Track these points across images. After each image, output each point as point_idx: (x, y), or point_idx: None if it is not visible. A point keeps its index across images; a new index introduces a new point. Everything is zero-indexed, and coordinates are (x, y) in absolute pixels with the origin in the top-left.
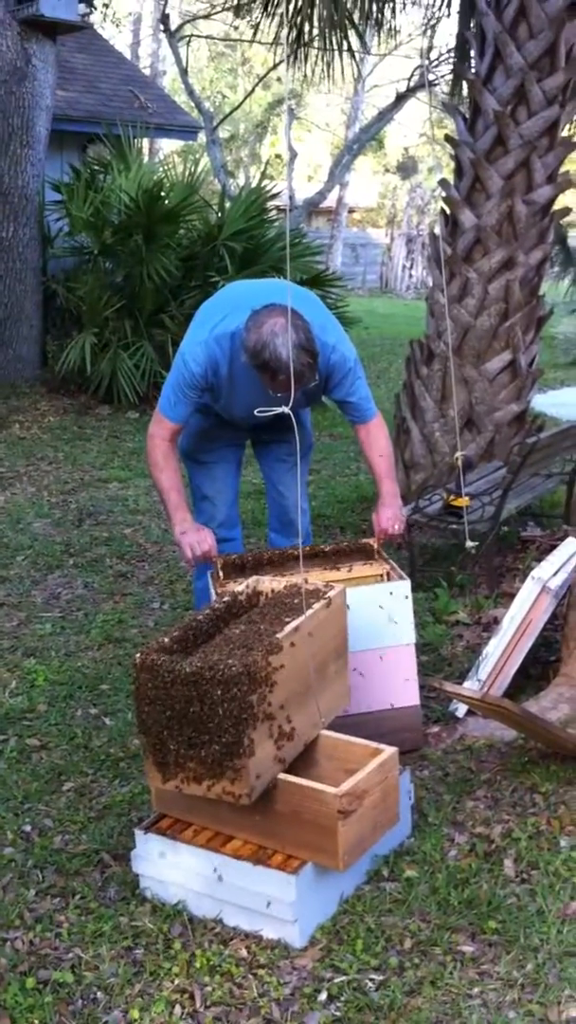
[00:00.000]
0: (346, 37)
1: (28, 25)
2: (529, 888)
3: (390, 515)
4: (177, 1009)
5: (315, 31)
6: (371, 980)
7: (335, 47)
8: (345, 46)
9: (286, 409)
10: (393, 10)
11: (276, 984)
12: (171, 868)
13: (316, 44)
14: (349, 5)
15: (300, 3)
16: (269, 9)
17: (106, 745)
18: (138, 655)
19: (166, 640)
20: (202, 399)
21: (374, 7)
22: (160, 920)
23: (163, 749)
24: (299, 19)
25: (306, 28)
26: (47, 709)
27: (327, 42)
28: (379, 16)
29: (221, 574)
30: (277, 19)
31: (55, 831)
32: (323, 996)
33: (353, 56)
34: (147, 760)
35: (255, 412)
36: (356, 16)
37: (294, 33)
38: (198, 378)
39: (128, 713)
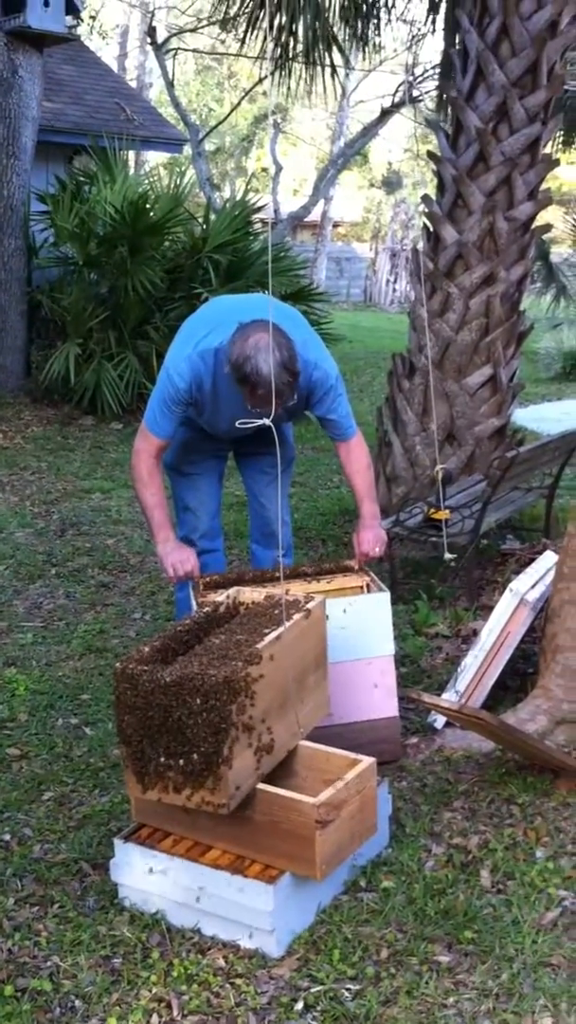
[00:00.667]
0: (330, 52)
1: (15, 36)
2: (505, 898)
3: (370, 537)
4: (155, 1018)
5: (299, 47)
6: (347, 990)
7: (319, 62)
8: (329, 61)
9: (267, 421)
10: (377, 26)
11: (253, 993)
12: (149, 877)
13: (300, 59)
14: (333, 20)
15: (283, 19)
16: (254, 23)
17: (86, 755)
18: (118, 664)
19: (146, 650)
20: (186, 413)
21: (358, 23)
22: (138, 929)
23: (143, 758)
24: (283, 34)
25: (291, 43)
26: (28, 718)
27: (311, 57)
28: (363, 32)
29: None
30: (262, 33)
31: (34, 840)
32: (300, 1006)
33: (335, 72)
34: (127, 769)
35: (237, 424)
36: (340, 32)
37: (279, 48)
38: (183, 393)
39: (109, 723)
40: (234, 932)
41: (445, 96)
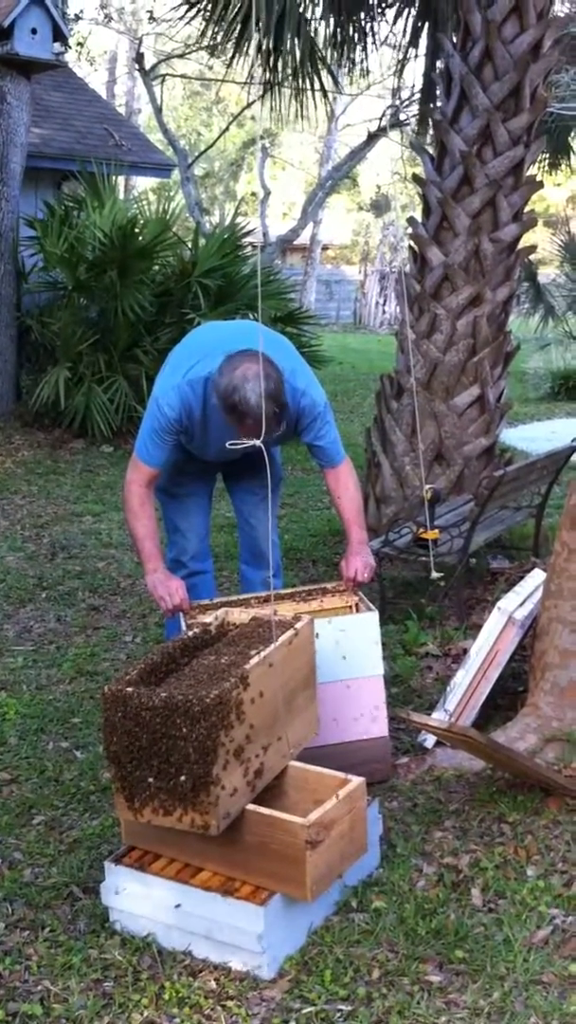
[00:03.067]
0: (317, 76)
1: (3, 63)
2: (496, 917)
3: (359, 563)
4: None
5: (287, 71)
6: (339, 1011)
7: (307, 87)
8: (317, 85)
9: (258, 443)
10: (364, 50)
11: (245, 1015)
12: (140, 900)
13: (288, 84)
14: (319, 45)
15: (268, 44)
16: (241, 48)
17: (77, 778)
18: (106, 687)
19: (135, 672)
20: (177, 440)
21: (345, 48)
22: (129, 952)
23: (132, 781)
24: (270, 58)
25: (277, 67)
26: (18, 742)
27: (300, 81)
28: (350, 57)
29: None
30: (249, 58)
31: (25, 864)
32: None
33: (325, 95)
34: (116, 792)
35: (227, 444)
36: (327, 57)
37: (268, 73)
38: (173, 423)
39: (99, 746)
40: (225, 954)
41: (427, 119)
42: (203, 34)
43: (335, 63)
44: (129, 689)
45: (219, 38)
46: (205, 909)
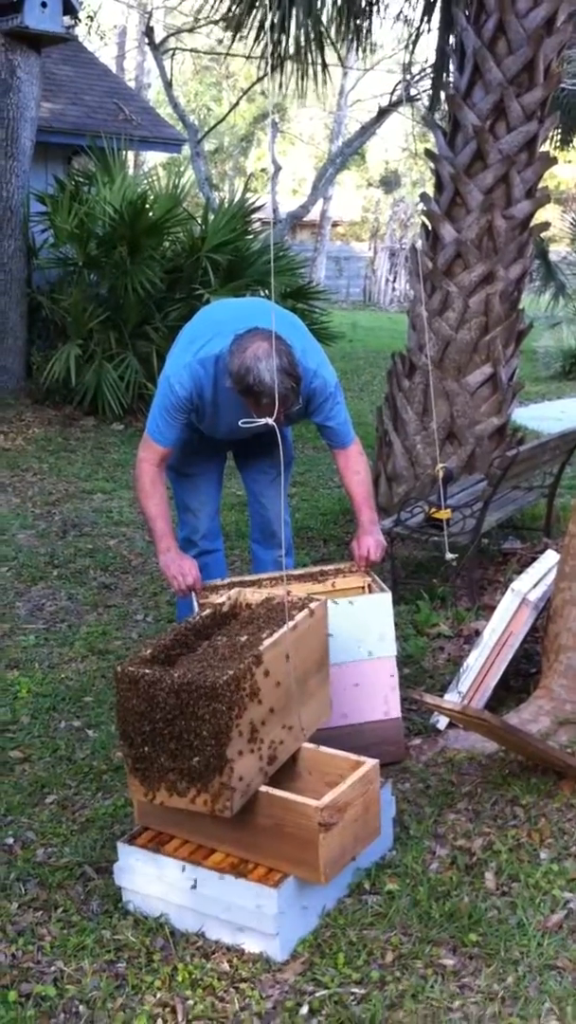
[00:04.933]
0: (322, 51)
1: (13, 37)
2: (510, 901)
3: (371, 544)
4: (159, 1023)
5: (291, 48)
6: (352, 994)
7: (314, 62)
8: (323, 60)
9: (270, 421)
10: (369, 29)
11: (258, 998)
12: (153, 881)
13: (294, 60)
14: (326, 19)
15: (276, 18)
16: (247, 22)
17: (89, 757)
18: (119, 667)
19: (148, 652)
20: (188, 419)
21: (352, 23)
22: (142, 933)
23: (145, 761)
24: (276, 33)
25: (284, 42)
26: (30, 721)
27: (306, 57)
28: (356, 32)
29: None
30: (255, 32)
31: (38, 844)
32: (305, 1010)
33: (326, 72)
34: (129, 772)
35: (240, 424)
36: (335, 31)
37: (274, 47)
38: (184, 401)
39: (112, 725)
40: (238, 936)
41: (439, 94)
42: (214, 7)
43: (343, 38)
44: (143, 669)
45: (233, 10)
46: (218, 891)
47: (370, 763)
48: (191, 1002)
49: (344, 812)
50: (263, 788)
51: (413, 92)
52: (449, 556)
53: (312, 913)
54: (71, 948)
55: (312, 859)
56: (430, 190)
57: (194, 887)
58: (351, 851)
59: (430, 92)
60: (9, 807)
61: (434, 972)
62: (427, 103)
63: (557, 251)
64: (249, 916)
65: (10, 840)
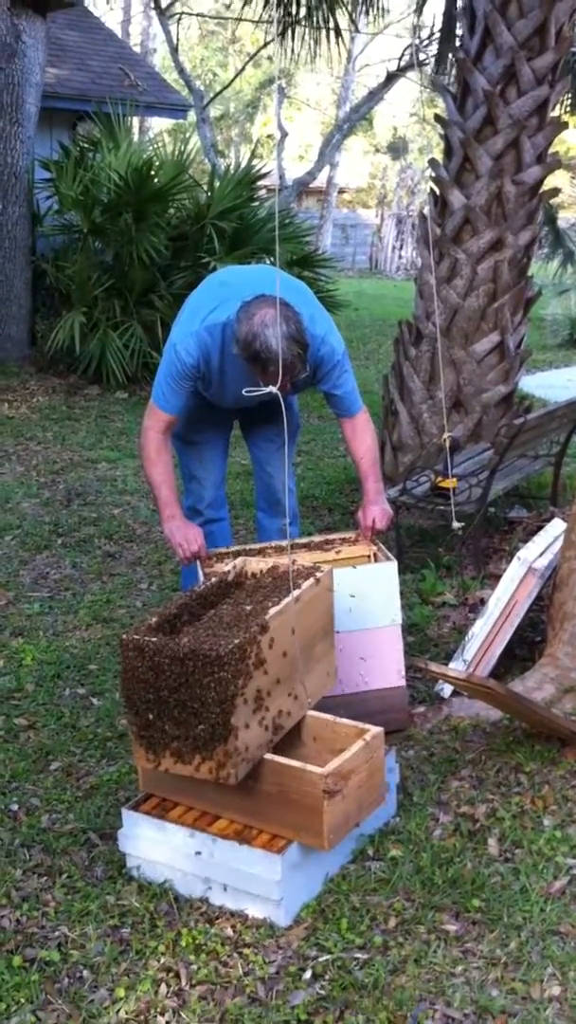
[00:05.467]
0: (333, 14)
1: (17, 1)
2: (513, 867)
3: (376, 512)
4: (163, 988)
5: (303, 10)
6: (355, 959)
7: (323, 26)
8: (333, 25)
9: (274, 389)
10: None
11: (261, 963)
12: (158, 847)
13: (305, 23)
14: None
15: None
16: None
17: (93, 725)
18: (125, 635)
19: (153, 620)
20: (194, 387)
21: None
22: (146, 899)
23: (150, 729)
24: None
25: (293, 5)
26: (35, 689)
27: (315, 21)
28: None
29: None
30: None
31: (42, 810)
32: (308, 975)
33: (339, 35)
34: (134, 740)
35: (244, 392)
36: None
37: (282, 10)
38: (190, 368)
39: (116, 693)
40: (242, 902)
41: (448, 58)
42: None
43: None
44: (148, 637)
45: None
46: (222, 857)
47: (374, 731)
48: (195, 967)
49: (348, 779)
50: (268, 756)
51: (422, 57)
52: (455, 525)
53: (315, 879)
54: (75, 913)
55: (316, 825)
56: (438, 156)
57: (199, 853)
58: (355, 818)
59: (439, 56)
60: (14, 774)
61: (437, 937)
62: (436, 67)
63: (566, 217)
64: (253, 882)
65: (15, 806)
